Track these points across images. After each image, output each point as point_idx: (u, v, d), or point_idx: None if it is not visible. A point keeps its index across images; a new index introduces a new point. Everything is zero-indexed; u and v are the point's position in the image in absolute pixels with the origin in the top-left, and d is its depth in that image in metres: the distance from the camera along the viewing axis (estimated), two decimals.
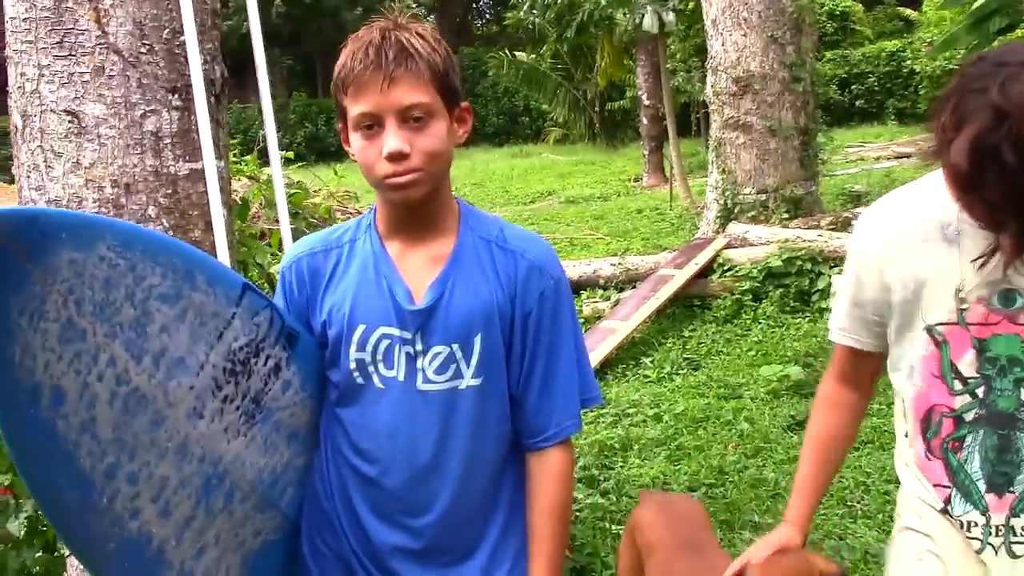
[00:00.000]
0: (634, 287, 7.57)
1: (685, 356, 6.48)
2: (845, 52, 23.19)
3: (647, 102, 16.90)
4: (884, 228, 1.62)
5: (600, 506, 4.18)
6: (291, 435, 1.56)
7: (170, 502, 1.32)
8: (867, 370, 1.78)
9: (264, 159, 4.06)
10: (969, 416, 1.58)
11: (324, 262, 1.62)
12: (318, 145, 26.54)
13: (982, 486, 1.58)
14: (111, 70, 2.04)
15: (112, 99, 2.05)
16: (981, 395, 1.56)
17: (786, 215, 8.25)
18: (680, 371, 6.22)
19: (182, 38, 2.09)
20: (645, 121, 17.06)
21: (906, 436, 1.70)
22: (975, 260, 1.51)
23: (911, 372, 1.63)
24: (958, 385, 1.57)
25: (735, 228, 8.00)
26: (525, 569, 1.66)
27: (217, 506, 1.41)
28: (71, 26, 2.02)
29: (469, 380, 1.57)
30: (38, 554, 2.61)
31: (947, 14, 19.73)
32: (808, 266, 7.11)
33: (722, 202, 8.59)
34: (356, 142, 1.51)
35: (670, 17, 13.01)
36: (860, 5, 25.64)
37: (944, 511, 1.63)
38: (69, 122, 2.04)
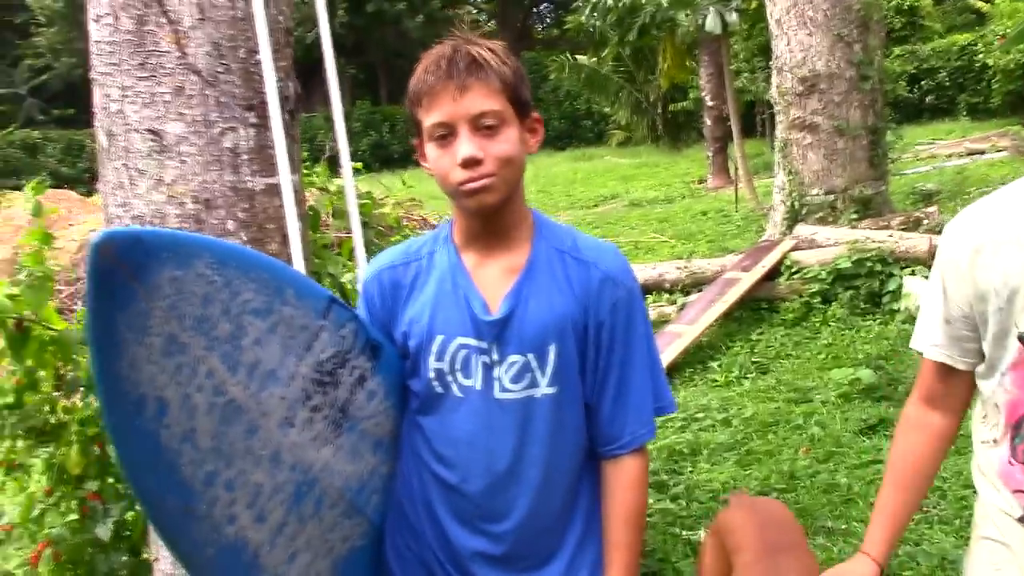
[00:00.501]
0: (700, 290, 7.53)
1: (753, 360, 6.42)
2: (914, 47, 22.73)
3: (710, 103, 16.78)
4: (973, 236, 1.58)
5: (670, 511, 4.18)
6: (376, 443, 1.60)
7: (264, 508, 1.37)
8: (958, 390, 1.71)
9: (333, 169, 4.13)
10: None
11: (404, 274, 1.66)
12: (382, 153, 26.87)
13: None
14: (190, 90, 2.11)
15: (192, 118, 2.11)
16: None
17: (855, 216, 8.12)
18: (748, 375, 6.17)
19: (257, 57, 2.15)
20: (708, 122, 16.94)
21: (984, 443, 1.68)
22: None
23: (1003, 379, 1.60)
24: None
25: (802, 229, 7.90)
26: None
27: (308, 512, 1.45)
28: (152, 48, 2.09)
29: (544, 389, 1.60)
30: (124, 557, 2.71)
31: (1021, 5, 19.27)
32: (878, 267, 7.00)
33: (789, 203, 8.49)
34: (431, 152, 1.55)
35: (733, 17, 12.91)
36: None
37: (1022, 519, 1.61)
38: (152, 140, 2.11)
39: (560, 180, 20.13)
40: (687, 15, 13.90)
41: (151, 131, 2.11)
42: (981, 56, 21.87)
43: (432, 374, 1.61)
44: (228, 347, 1.33)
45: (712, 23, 12.78)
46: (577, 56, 21.64)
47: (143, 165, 2.12)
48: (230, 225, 2.16)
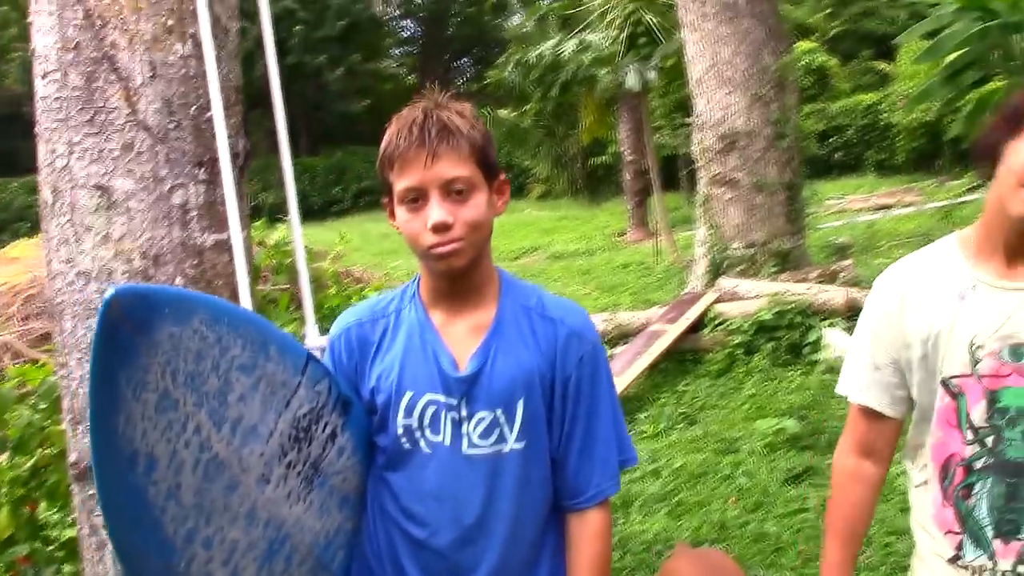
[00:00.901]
0: (626, 343, 7.63)
1: (680, 411, 6.52)
2: (823, 106, 23.58)
3: (629, 157, 17.15)
4: (901, 288, 1.71)
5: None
6: (343, 499, 1.61)
7: (238, 565, 1.36)
8: (886, 437, 1.80)
9: (269, 223, 4.13)
10: (978, 464, 1.66)
11: (372, 331, 1.68)
12: (303, 204, 26.50)
13: (990, 532, 1.65)
14: (140, 146, 2.10)
15: (141, 174, 2.10)
16: (991, 444, 1.64)
17: (774, 269, 8.36)
18: (676, 426, 6.26)
19: (208, 114, 2.15)
20: (628, 176, 17.28)
21: (917, 487, 1.77)
22: (988, 315, 1.61)
23: (931, 424, 1.71)
24: (971, 435, 1.64)
25: (725, 282, 8.09)
26: None
27: (278, 569, 1.45)
28: (101, 104, 2.08)
29: (512, 444, 1.63)
30: None
31: (921, 68, 20.18)
32: (798, 319, 7.20)
33: (711, 257, 8.70)
34: (401, 215, 1.58)
35: (652, 75, 13.26)
36: (836, 60, 26.13)
37: (954, 559, 1.68)
38: (99, 197, 2.09)
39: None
40: (607, 72, 14.22)
41: (99, 187, 2.09)
42: (886, 115, 22.80)
43: (400, 430, 1.62)
44: (215, 403, 1.34)
45: (632, 80, 13.12)
46: (498, 111, 21.92)
47: (89, 221, 2.10)
48: (179, 281, 2.14)
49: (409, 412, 1.62)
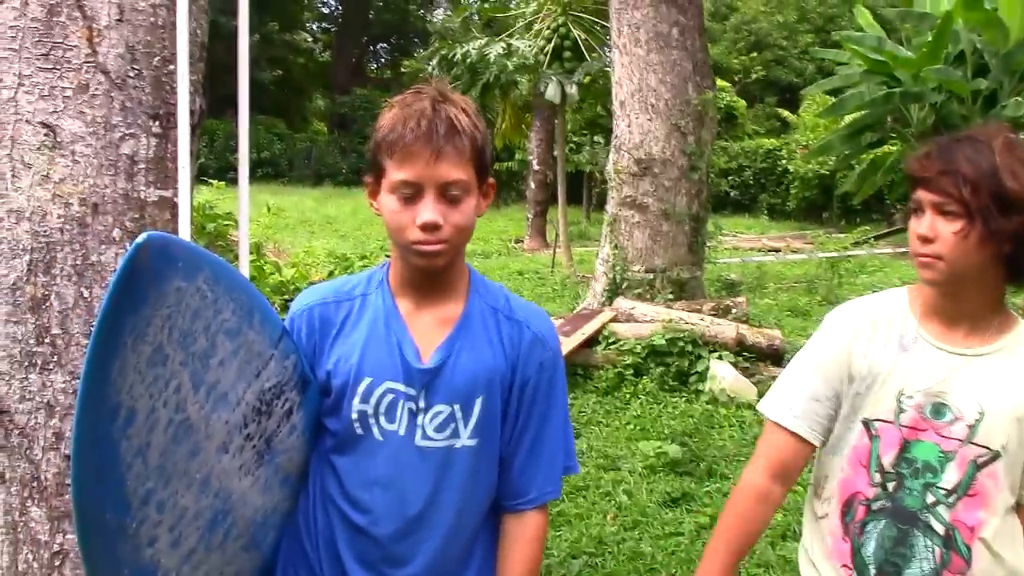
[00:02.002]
0: None
1: None
2: (726, 144, 24.27)
3: (536, 167, 17.28)
4: (853, 326, 1.79)
5: None
6: (285, 478, 1.58)
7: (182, 533, 1.33)
8: (800, 464, 1.86)
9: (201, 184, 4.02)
10: (876, 506, 1.75)
11: (336, 312, 1.66)
12: (199, 167, 25.95)
13: (872, 570, 1.75)
14: (96, 89, 2.02)
15: (93, 118, 2.02)
16: (891, 490, 1.73)
17: (671, 296, 8.55)
18: None
19: (170, 67, 2.09)
20: (533, 186, 17.42)
21: (819, 518, 1.84)
22: (922, 370, 1.71)
23: (842, 458, 1.80)
24: (877, 477, 1.74)
25: (623, 303, 8.23)
26: None
27: (216, 542, 1.42)
28: (60, 40, 1.99)
29: (465, 440, 1.63)
30: None
31: (821, 120, 20.99)
32: (689, 348, 7.38)
33: (611, 276, 8.84)
34: (389, 203, 1.56)
35: (572, 90, 13.41)
36: (743, 101, 26.92)
37: None
38: (44, 135, 2.00)
39: (377, 222, 20.04)
40: (529, 80, 14.32)
41: (44, 124, 2.01)
42: (784, 162, 23.63)
43: (355, 415, 1.60)
44: (199, 364, 1.31)
45: (552, 92, 13.23)
46: None
47: (30, 159, 2.01)
48: (115, 234, 2.07)
49: (366, 398, 1.60)
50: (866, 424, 1.76)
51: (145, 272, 1.19)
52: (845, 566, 1.77)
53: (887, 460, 1.73)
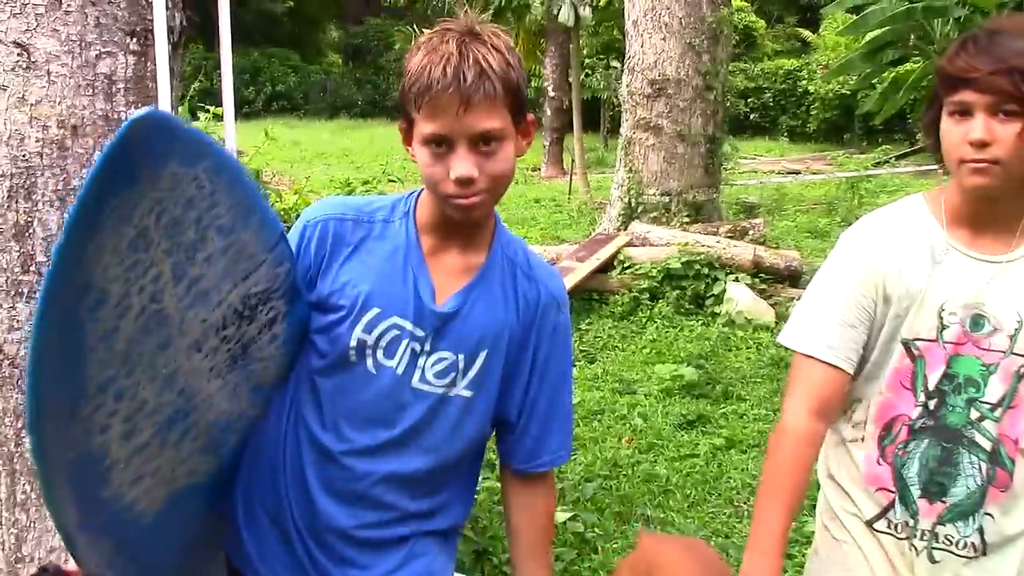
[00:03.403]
0: None
1: (581, 348, 6.57)
2: (745, 66, 23.84)
3: (552, 94, 17.04)
4: (881, 242, 1.68)
5: (497, 490, 4.21)
6: (256, 387, 1.54)
7: (138, 425, 1.29)
8: (842, 396, 1.72)
9: (193, 114, 3.93)
10: (917, 425, 1.67)
11: (352, 232, 1.58)
12: (212, 100, 25.79)
13: (916, 491, 1.67)
14: (69, 5, 1.95)
15: (67, 35, 1.96)
16: (933, 408, 1.65)
17: (687, 219, 8.45)
18: (577, 363, 6.31)
19: None
20: (549, 112, 17.19)
21: (851, 442, 1.76)
22: (959, 282, 1.62)
23: (880, 382, 1.70)
24: (922, 397, 1.66)
25: (638, 227, 8.15)
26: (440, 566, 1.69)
27: (172, 439, 1.37)
28: None
29: (460, 390, 1.59)
30: None
31: (842, 39, 20.54)
32: (705, 271, 7.32)
33: (626, 200, 8.74)
34: (423, 156, 1.47)
35: (586, 11, 13.14)
36: (763, 21, 26.38)
37: (876, 519, 1.71)
38: (18, 55, 1.94)
39: (398, 152, 19.91)
40: (542, 3, 14.03)
41: (18, 44, 1.94)
42: (804, 82, 23.19)
43: (353, 343, 1.54)
44: (183, 256, 1.24)
45: (566, 15, 12.97)
46: (425, 30, 21.43)
47: (5, 80, 1.95)
48: (97, 156, 2.01)
49: (369, 329, 1.54)
50: (906, 345, 1.66)
51: (139, 150, 1.10)
52: (882, 489, 1.70)
53: (932, 380, 1.65)
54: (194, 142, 1.23)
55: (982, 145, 1.53)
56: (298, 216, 1.68)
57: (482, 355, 1.58)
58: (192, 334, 1.33)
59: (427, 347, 1.56)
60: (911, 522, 1.68)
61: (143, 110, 1.10)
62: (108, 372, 1.21)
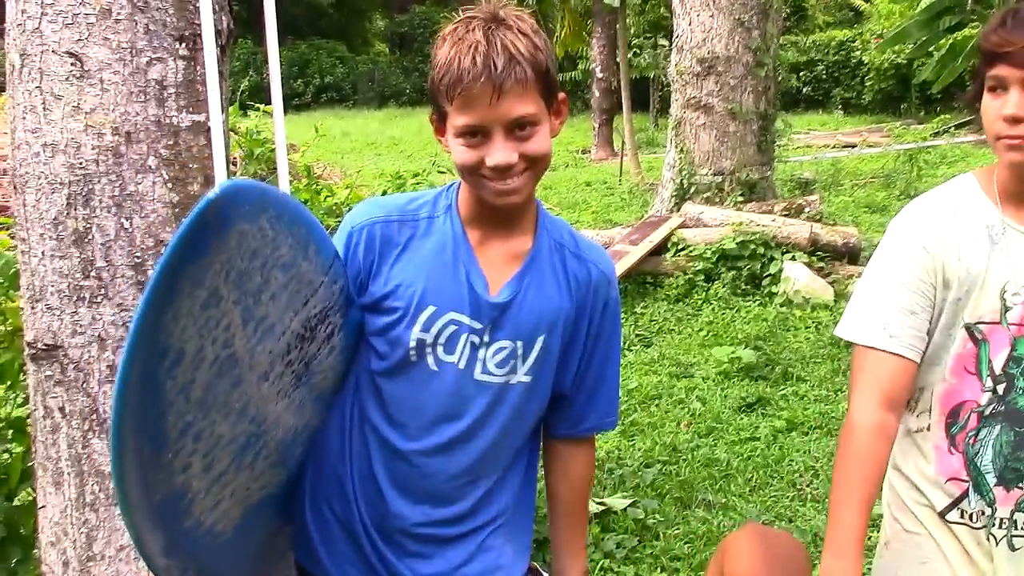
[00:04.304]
0: None
1: (637, 332, 6.54)
2: (796, 39, 23.43)
3: (600, 75, 16.92)
4: (937, 225, 1.64)
5: None
6: (318, 397, 1.57)
7: (215, 458, 1.32)
8: (910, 386, 1.67)
9: (243, 110, 3.97)
10: (988, 411, 1.63)
11: (399, 232, 1.59)
12: (261, 96, 26.05)
13: (991, 479, 1.63)
14: (118, 13, 1.97)
15: (118, 43, 1.97)
16: (1002, 392, 1.61)
17: (740, 198, 8.35)
18: (632, 347, 6.28)
19: None
20: (597, 94, 17.09)
21: (916, 431, 1.72)
22: (1020, 261, 1.58)
23: (943, 369, 1.66)
24: (990, 382, 1.61)
25: (690, 208, 8.07)
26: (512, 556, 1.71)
27: (246, 463, 1.41)
28: None
29: (521, 377, 1.60)
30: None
31: (897, 8, 20.08)
32: (761, 250, 7.23)
33: (678, 181, 8.65)
34: (457, 147, 1.48)
35: None
36: None
37: (948, 509, 1.67)
38: (71, 64, 1.96)
39: None
40: None
41: (71, 54, 1.96)
42: (858, 53, 22.73)
43: (413, 343, 1.56)
44: (251, 301, 1.28)
45: None
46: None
47: (60, 90, 1.97)
48: (151, 162, 2.04)
49: (427, 327, 1.55)
50: (969, 329, 1.62)
51: (211, 224, 1.15)
52: (953, 479, 1.66)
53: (998, 363, 1.61)
54: (257, 198, 1.25)
55: (1015, 121, 1.50)
56: (350, 209, 1.68)
57: (540, 340, 1.59)
58: (261, 367, 1.36)
59: (486, 338, 1.57)
60: (988, 511, 1.64)
61: (215, 190, 1.13)
62: (187, 418, 1.25)
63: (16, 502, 2.72)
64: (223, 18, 2.13)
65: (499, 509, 1.68)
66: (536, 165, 1.49)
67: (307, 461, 1.69)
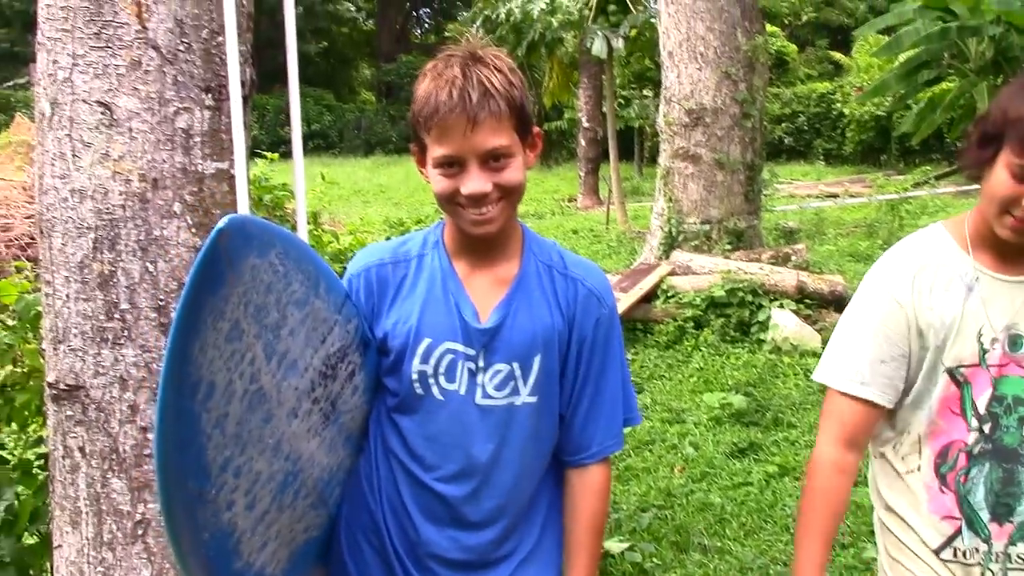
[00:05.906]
0: None
1: None
2: (778, 91, 23.82)
3: (586, 125, 17.15)
4: (908, 277, 1.72)
5: None
6: (348, 437, 1.62)
7: (257, 496, 1.37)
8: (872, 428, 1.79)
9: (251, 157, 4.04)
10: (976, 450, 1.70)
11: (393, 273, 1.67)
12: (259, 144, 26.18)
13: (985, 515, 1.70)
14: (148, 65, 2.04)
15: (147, 94, 2.04)
16: (988, 431, 1.69)
17: (728, 247, 8.47)
18: None
19: (219, 39, 2.10)
20: (583, 143, 17.30)
21: (907, 473, 1.78)
22: (994, 306, 1.66)
23: (929, 412, 1.73)
24: (975, 422, 1.69)
25: (680, 256, 8.17)
26: None
27: (287, 502, 1.46)
28: (110, 18, 2.01)
29: (525, 397, 1.65)
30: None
31: (875, 61, 20.48)
32: (749, 298, 7.33)
33: (667, 230, 8.77)
34: (435, 176, 1.56)
35: (619, 43, 13.25)
36: (794, 46, 26.38)
37: (943, 547, 1.73)
38: (101, 113, 2.03)
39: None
40: (574, 36, 14.17)
41: (101, 103, 2.03)
42: (838, 105, 23.13)
43: (415, 376, 1.62)
44: (271, 335, 1.34)
45: (599, 47, 13.08)
46: None
47: (89, 138, 2.04)
48: (176, 207, 2.10)
49: (425, 359, 1.61)
50: (951, 372, 1.70)
51: (224, 255, 1.22)
52: (947, 518, 1.73)
53: (981, 403, 1.69)
54: (265, 234, 1.33)
55: None
56: (353, 256, 1.76)
57: (536, 359, 1.64)
58: (289, 403, 1.42)
59: (481, 363, 1.62)
60: (983, 547, 1.70)
61: (223, 220, 1.20)
62: (225, 453, 1.30)
63: (25, 541, 2.73)
64: (247, 70, 2.21)
65: (527, 536, 1.73)
66: (510, 195, 1.56)
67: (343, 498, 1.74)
